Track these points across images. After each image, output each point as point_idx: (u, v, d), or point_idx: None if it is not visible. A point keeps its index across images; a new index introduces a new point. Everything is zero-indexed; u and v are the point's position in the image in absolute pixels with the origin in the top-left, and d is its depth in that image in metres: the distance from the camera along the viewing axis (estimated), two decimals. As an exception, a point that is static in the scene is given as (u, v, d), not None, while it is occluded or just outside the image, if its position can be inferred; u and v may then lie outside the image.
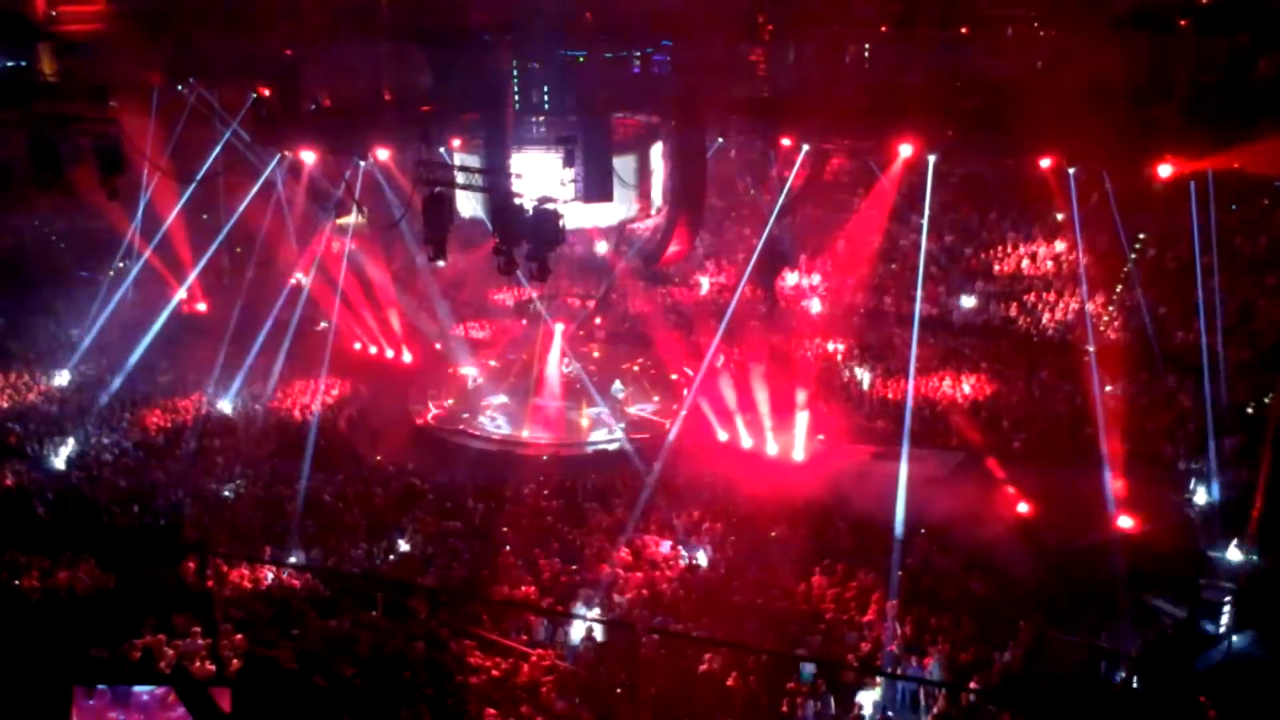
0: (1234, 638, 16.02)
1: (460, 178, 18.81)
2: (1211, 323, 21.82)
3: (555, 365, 25.79)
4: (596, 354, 28.49)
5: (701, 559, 17.89)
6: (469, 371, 27.14)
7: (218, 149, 26.06)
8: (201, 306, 30.15)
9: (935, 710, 13.97)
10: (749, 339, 26.03)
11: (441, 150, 22.91)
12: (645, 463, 21.67)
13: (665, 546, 18.26)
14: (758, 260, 25.73)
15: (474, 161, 21.65)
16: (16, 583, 16.00)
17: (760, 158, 30.67)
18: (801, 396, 23.31)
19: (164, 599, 15.52)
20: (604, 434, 24.35)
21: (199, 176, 26.38)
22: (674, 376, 26.48)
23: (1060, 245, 28.01)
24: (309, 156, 23.68)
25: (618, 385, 25.85)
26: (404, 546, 18.23)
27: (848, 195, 30.96)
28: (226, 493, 20.12)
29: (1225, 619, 16.10)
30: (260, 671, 13.36)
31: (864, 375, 25.55)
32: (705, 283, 31.25)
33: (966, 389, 24.36)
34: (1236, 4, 21.50)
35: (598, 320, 30.21)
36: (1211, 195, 20.85)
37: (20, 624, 14.80)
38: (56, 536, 17.79)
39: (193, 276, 28.38)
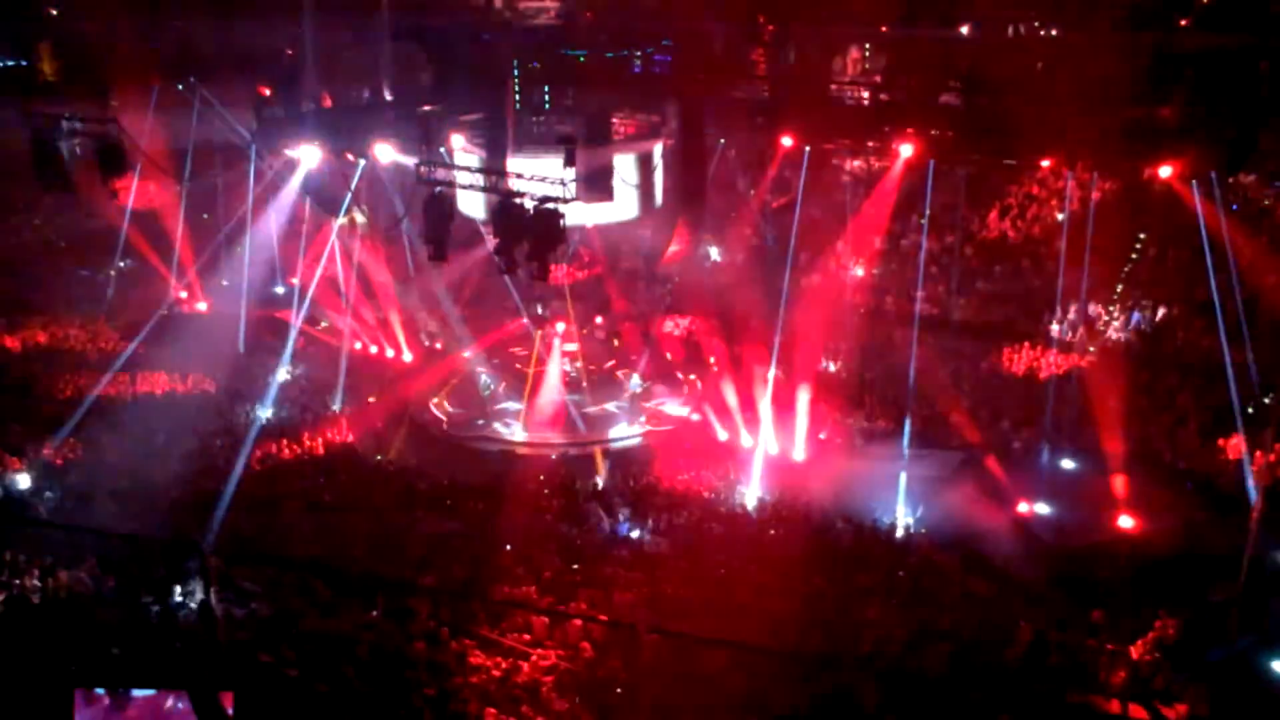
0: (1238, 640, 16.00)
1: (461, 177, 18.82)
2: (1212, 322, 21.81)
3: (558, 364, 25.80)
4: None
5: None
6: (482, 375, 26.98)
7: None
8: (202, 306, 30.19)
9: None
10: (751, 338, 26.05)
11: (441, 150, 22.93)
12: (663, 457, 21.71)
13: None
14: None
15: (475, 161, 21.68)
16: (17, 582, 15.98)
17: (760, 157, 30.67)
18: (803, 396, 23.32)
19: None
20: (622, 430, 24.37)
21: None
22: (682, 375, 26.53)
23: (1060, 244, 27.99)
24: (309, 156, 23.68)
25: (635, 380, 25.89)
26: None
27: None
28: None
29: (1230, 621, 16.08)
30: (261, 673, 13.35)
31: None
32: None
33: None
34: (1238, 4, 21.49)
35: (598, 319, 30.20)
36: (1200, 195, 20.81)
37: (21, 625, 14.79)
38: (57, 536, 17.76)
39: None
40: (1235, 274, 23.65)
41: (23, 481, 20.02)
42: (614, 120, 24.30)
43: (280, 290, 30.64)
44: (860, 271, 29.01)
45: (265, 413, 23.51)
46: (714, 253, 31.98)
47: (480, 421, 25.07)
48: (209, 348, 26.58)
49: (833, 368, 26.07)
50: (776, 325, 24.14)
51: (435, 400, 26.13)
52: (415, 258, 28.90)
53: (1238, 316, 22.41)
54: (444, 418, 25.34)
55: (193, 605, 15.66)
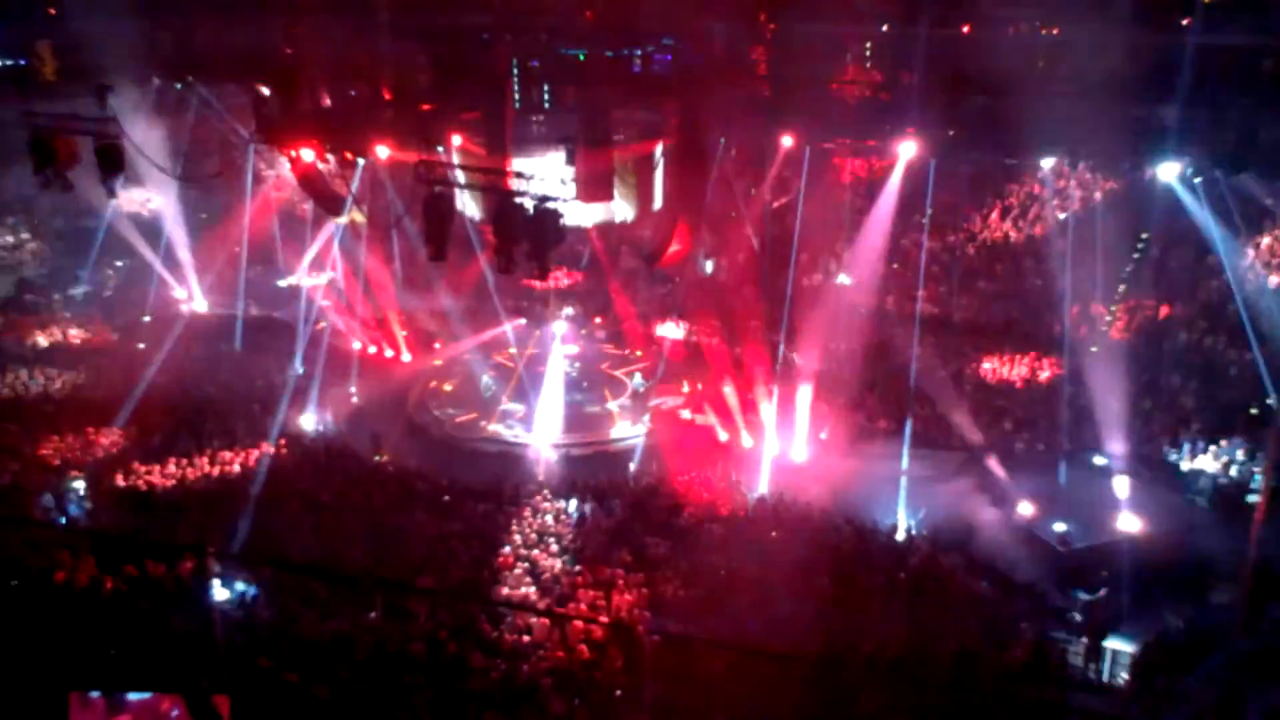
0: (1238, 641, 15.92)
1: (460, 177, 18.74)
2: (1215, 323, 21.74)
3: (558, 365, 25.74)
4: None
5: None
6: (483, 376, 26.85)
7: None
8: (201, 306, 30.13)
9: None
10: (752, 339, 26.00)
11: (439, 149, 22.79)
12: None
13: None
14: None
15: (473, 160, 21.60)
16: (14, 582, 15.90)
17: (760, 156, 30.56)
18: (803, 396, 23.24)
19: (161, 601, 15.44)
20: (627, 429, 24.30)
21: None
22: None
23: (1062, 244, 27.95)
24: (308, 155, 23.57)
25: (638, 379, 25.80)
26: None
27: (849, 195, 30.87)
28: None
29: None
30: (259, 677, 13.28)
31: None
32: None
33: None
34: (1240, 2, 21.40)
35: (597, 320, 30.15)
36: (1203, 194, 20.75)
37: (16, 627, 14.69)
38: (53, 536, 17.69)
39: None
40: (1237, 274, 23.63)
41: (19, 481, 19.95)
42: (614, 119, 24.21)
43: (284, 284, 30.63)
44: (845, 280, 28.93)
45: (271, 411, 23.44)
46: (708, 266, 31.82)
47: (481, 422, 25.00)
48: (207, 347, 26.57)
49: (833, 368, 25.98)
50: (778, 326, 24.13)
51: (434, 401, 26.05)
52: (411, 256, 28.82)
53: (1240, 317, 22.40)
54: (443, 418, 25.26)
55: (190, 607, 15.60)
